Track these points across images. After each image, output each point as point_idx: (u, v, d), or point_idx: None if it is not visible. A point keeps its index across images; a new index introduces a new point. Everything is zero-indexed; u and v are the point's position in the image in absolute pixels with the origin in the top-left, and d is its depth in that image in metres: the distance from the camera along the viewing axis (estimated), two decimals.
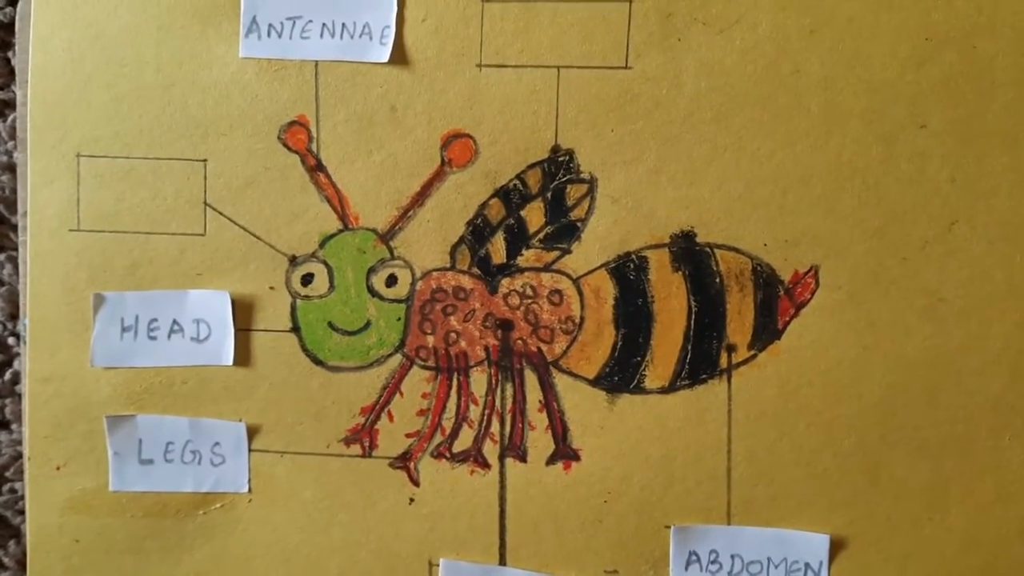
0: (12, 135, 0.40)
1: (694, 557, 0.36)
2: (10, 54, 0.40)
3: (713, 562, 0.36)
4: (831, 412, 0.35)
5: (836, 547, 0.35)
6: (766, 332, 0.35)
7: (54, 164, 0.37)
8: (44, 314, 0.37)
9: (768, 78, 0.35)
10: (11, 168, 0.41)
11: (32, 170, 0.37)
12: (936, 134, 0.34)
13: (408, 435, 0.37)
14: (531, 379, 0.36)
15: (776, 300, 0.35)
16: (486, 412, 0.37)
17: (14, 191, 0.40)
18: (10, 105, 0.41)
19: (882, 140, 0.34)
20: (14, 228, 0.41)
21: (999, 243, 0.34)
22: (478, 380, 0.37)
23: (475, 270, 0.36)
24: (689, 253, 0.35)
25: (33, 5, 0.36)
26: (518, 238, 0.36)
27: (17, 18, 0.37)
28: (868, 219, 0.35)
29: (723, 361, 0.36)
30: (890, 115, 0.34)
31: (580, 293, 0.36)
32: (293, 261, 0.37)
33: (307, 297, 0.37)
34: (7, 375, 0.42)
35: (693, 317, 0.36)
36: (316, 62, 0.36)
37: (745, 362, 0.36)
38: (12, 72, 0.40)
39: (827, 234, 0.35)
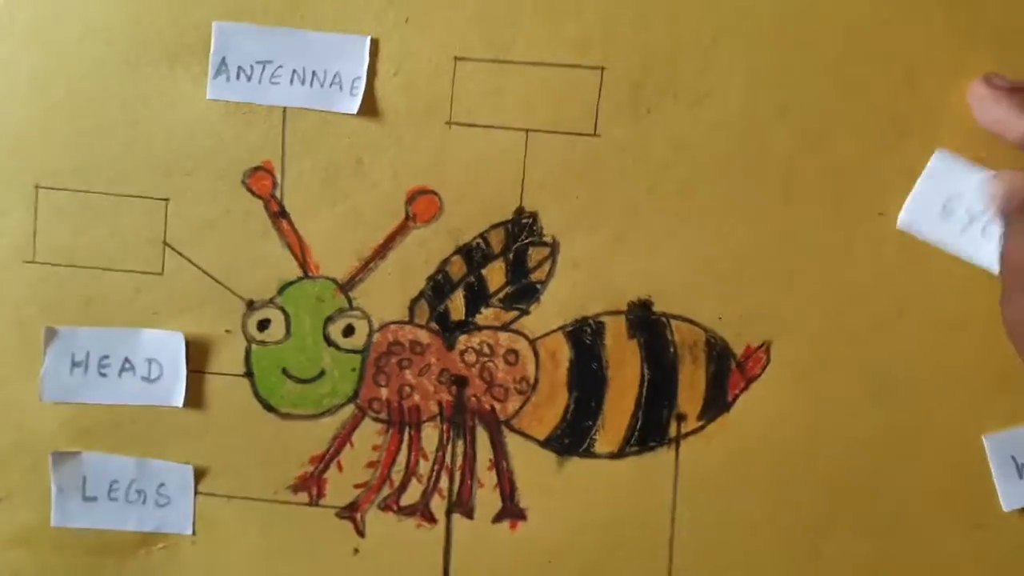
0: None
1: None
2: None
3: None
4: (776, 486, 0.36)
5: None
6: (716, 404, 0.36)
7: (12, 194, 0.36)
8: None
9: (735, 155, 0.35)
10: None
11: None
12: (894, 222, 0.35)
13: (356, 486, 0.37)
14: (482, 437, 0.37)
15: (727, 373, 0.36)
16: (436, 467, 0.37)
17: None
18: None
19: (841, 224, 0.35)
20: None
21: (947, 331, 0.35)
22: (429, 435, 0.37)
23: (433, 325, 0.36)
24: (645, 322, 0.36)
25: None
26: (478, 296, 0.36)
27: None
28: (822, 300, 0.35)
29: (672, 430, 0.36)
30: (851, 200, 0.35)
31: (536, 354, 0.36)
32: (250, 306, 0.37)
33: (262, 343, 0.37)
34: None
35: (646, 385, 0.36)
36: (284, 108, 0.36)
37: (694, 432, 0.36)
38: None
39: (781, 311, 0.35)
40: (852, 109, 0.35)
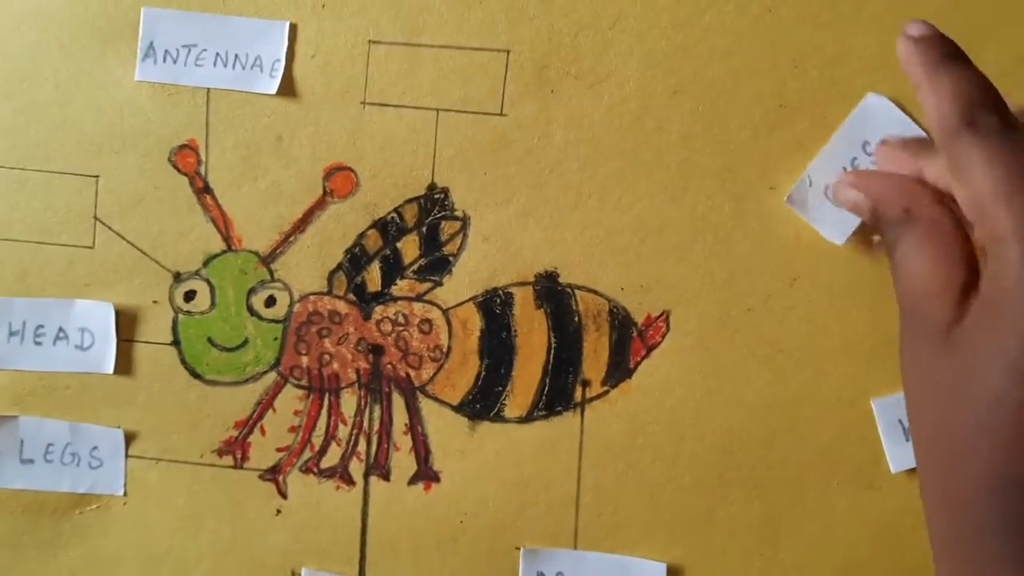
0: None
1: None
2: None
3: None
4: (675, 449, 0.38)
5: (672, 575, 0.38)
6: (619, 370, 0.38)
7: None
8: None
9: (632, 133, 0.37)
10: None
11: None
12: (784, 195, 0.36)
13: (279, 449, 0.39)
14: (398, 402, 0.38)
15: (629, 341, 0.37)
16: (354, 432, 0.39)
17: None
18: None
19: (734, 198, 0.37)
20: None
21: (836, 299, 0.37)
22: (348, 401, 0.39)
23: (351, 296, 0.38)
24: (551, 292, 0.38)
25: None
26: (393, 268, 0.38)
27: None
28: (717, 271, 0.37)
29: (578, 395, 0.38)
30: (742, 175, 0.37)
31: (449, 323, 0.38)
32: (177, 277, 0.38)
33: (189, 313, 0.38)
34: None
35: (552, 352, 0.38)
36: (208, 89, 0.38)
37: (598, 397, 0.38)
38: None
39: (679, 282, 0.37)
40: (741, 91, 0.36)
